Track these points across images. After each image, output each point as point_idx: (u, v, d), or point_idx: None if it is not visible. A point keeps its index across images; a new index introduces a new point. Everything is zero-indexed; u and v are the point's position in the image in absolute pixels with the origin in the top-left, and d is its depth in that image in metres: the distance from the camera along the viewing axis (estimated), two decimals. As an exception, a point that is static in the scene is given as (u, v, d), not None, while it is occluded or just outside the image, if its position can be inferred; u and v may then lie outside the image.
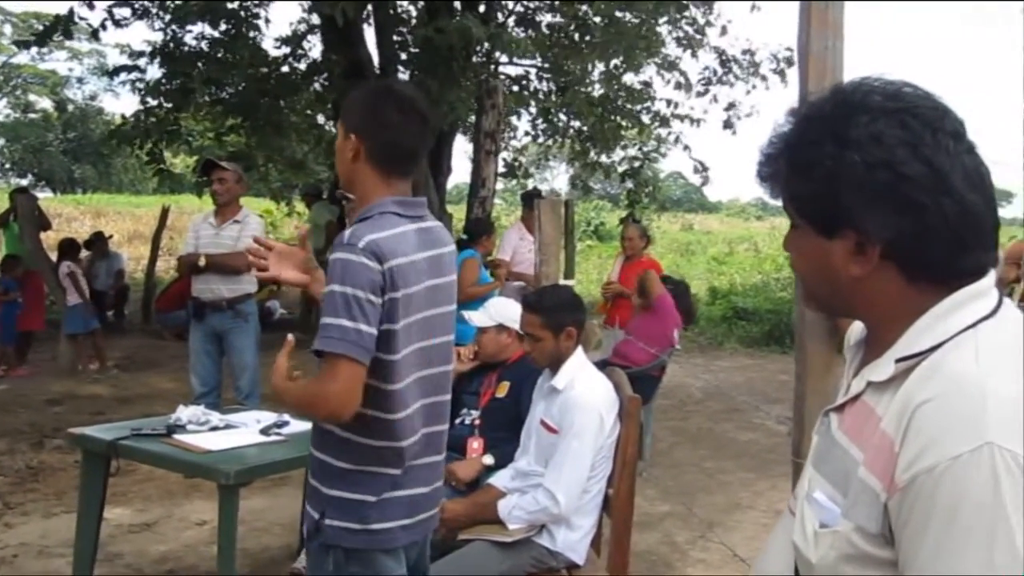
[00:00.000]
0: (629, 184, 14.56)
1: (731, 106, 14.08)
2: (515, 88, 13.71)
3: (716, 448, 7.68)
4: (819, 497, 1.30)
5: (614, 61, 13.64)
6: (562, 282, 8.60)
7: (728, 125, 14.23)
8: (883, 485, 1.16)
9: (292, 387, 2.35)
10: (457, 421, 4.06)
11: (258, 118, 11.90)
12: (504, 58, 12.67)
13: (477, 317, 4.14)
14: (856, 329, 1.47)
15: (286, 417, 3.94)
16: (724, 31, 13.85)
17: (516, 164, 15.20)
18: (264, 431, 3.83)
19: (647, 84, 14.24)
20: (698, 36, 13.78)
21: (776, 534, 1.53)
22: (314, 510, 2.40)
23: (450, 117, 11.19)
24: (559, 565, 3.46)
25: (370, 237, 2.25)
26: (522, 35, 12.72)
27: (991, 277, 1.26)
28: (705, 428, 8.46)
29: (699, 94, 14.13)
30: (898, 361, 1.22)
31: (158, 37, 12.04)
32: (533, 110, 14.61)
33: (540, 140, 15.64)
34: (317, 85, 13.03)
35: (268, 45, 12.48)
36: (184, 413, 3.93)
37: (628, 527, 3.51)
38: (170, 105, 11.42)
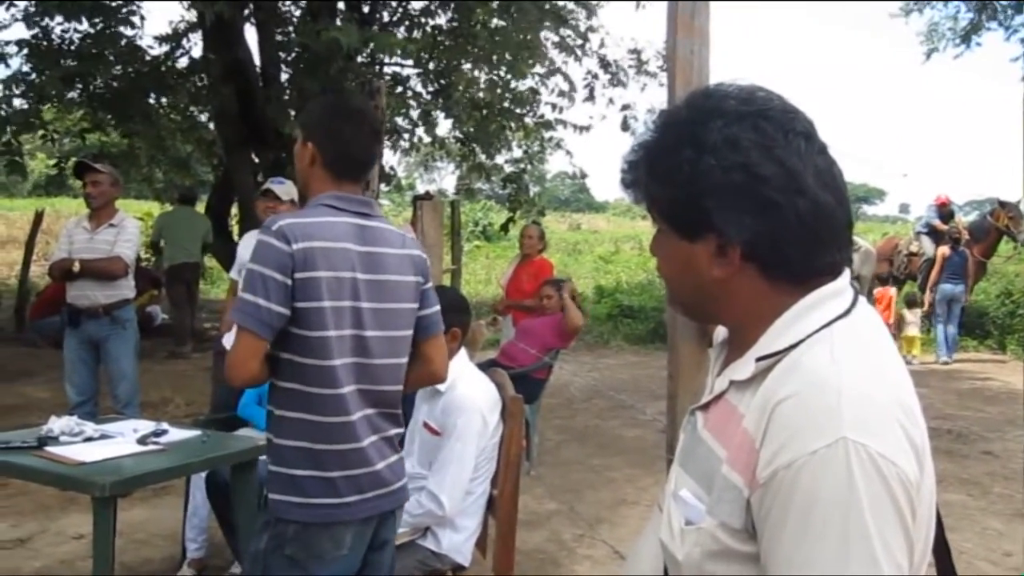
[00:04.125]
0: (511, 187, 14.58)
1: (626, 107, 14.23)
2: (399, 90, 13.60)
3: (602, 445, 7.78)
4: (684, 495, 1.32)
5: (499, 72, 13.67)
6: (445, 266, 8.63)
7: (626, 127, 14.36)
8: (745, 481, 1.18)
9: None
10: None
11: (128, 116, 11.57)
12: (387, 59, 12.58)
13: None
14: (721, 329, 1.50)
15: (165, 426, 3.84)
16: (603, 44, 14.03)
17: (391, 170, 15.07)
18: (141, 440, 3.72)
19: (534, 91, 14.30)
20: (580, 42, 13.89)
21: (646, 532, 1.55)
22: (265, 485, 2.61)
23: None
24: (444, 567, 3.45)
25: (285, 222, 2.45)
26: (404, 36, 12.61)
27: (846, 276, 1.30)
28: (592, 426, 8.56)
29: (586, 99, 14.24)
30: (758, 360, 1.25)
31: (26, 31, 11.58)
32: (415, 112, 14.51)
33: (425, 142, 15.56)
34: (198, 84, 12.73)
35: (149, 43, 12.03)
36: (56, 424, 3.79)
37: (513, 527, 3.53)
38: (32, 96, 10.98)
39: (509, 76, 13.77)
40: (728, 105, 1.26)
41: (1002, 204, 13.94)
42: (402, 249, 2.69)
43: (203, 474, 4.23)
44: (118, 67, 11.43)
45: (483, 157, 14.75)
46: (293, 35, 12.12)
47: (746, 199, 1.22)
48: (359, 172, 2.67)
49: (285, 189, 5.26)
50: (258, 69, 11.72)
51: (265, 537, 2.51)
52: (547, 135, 14.76)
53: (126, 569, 4.67)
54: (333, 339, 2.47)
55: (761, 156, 1.22)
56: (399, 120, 14.50)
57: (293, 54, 12.15)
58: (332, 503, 2.50)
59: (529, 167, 15.88)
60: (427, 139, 15.10)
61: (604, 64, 14.09)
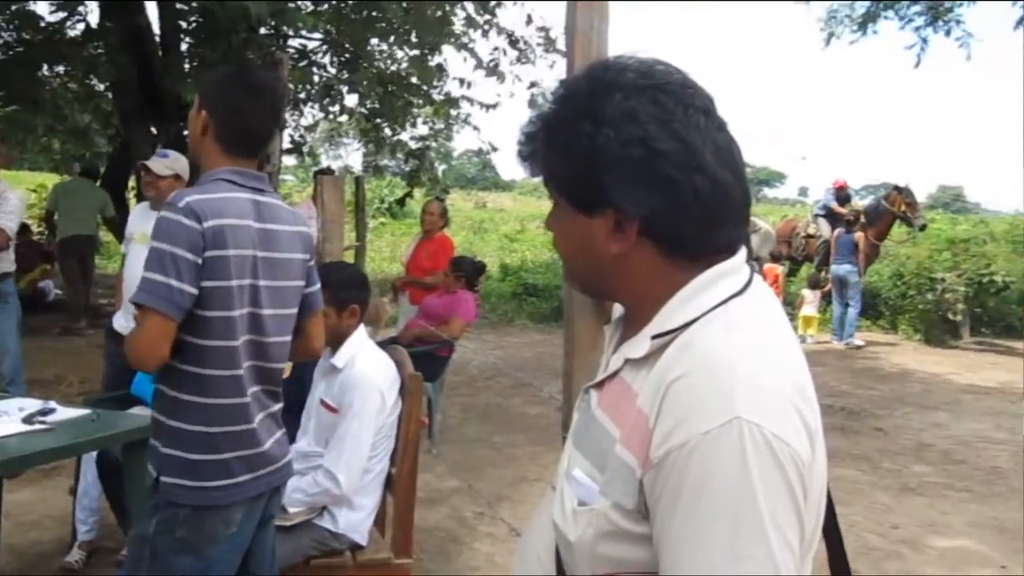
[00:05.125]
0: (414, 163, 14.48)
1: (533, 85, 14.19)
2: (302, 63, 13.37)
3: (504, 423, 7.80)
4: (577, 475, 1.29)
5: (413, 52, 13.51)
6: (346, 244, 8.54)
7: (533, 104, 14.31)
8: (638, 461, 1.16)
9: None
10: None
11: (14, 85, 11.17)
12: (291, 31, 12.34)
13: None
14: (618, 306, 1.47)
15: (52, 404, 3.71)
16: (529, 20, 13.94)
17: (301, 141, 14.84)
18: (27, 420, 3.59)
19: (440, 67, 14.17)
20: (488, 16, 13.79)
21: (539, 512, 1.52)
22: (153, 468, 2.51)
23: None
24: (342, 546, 3.41)
25: (191, 198, 2.37)
26: (310, 9, 12.38)
27: (742, 254, 1.29)
28: (494, 403, 8.58)
29: (489, 73, 14.16)
30: (653, 338, 1.23)
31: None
32: (319, 86, 14.26)
33: (329, 116, 15.34)
34: (94, 52, 12.31)
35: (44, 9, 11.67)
36: (-65, 403, 3.64)
37: (411, 505, 3.51)
38: None
39: (417, 52, 13.62)
40: (627, 78, 1.24)
41: (898, 189, 14.30)
42: (293, 226, 2.64)
43: (94, 454, 4.11)
44: (9, 34, 11.01)
45: (388, 133, 14.59)
46: (195, 3, 11.79)
47: (644, 174, 1.20)
48: (253, 149, 2.59)
49: (167, 163, 4.96)
50: (157, 38, 11.37)
51: (154, 521, 2.46)
52: (454, 112, 14.67)
53: (14, 552, 4.54)
54: (236, 319, 2.43)
55: (660, 131, 1.20)
56: (302, 95, 14.25)
57: (194, 23, 11.83)
58: (225, 484, 2.46)
59: (435, 144, 15.78)
60: (331, 114, 14.88)
61: (512, 41, 14.04)
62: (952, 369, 11.49)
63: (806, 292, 13.54)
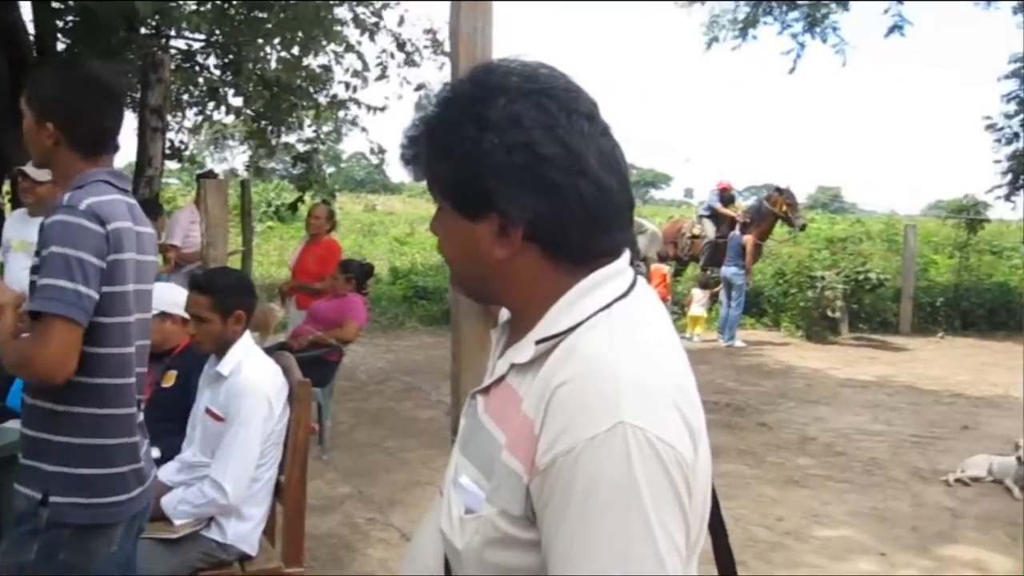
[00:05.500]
0: (302, 167, 14.28)
1: (421, 87, 14.11)
2: (185, 64, 13.07)
3: (396, 427, 7.75)
4: (464, 482, 1.29)
5: (293, 50, 13.30)
6: (232, 249, 8.40)
7: (419, 107, 14.14)
8: (525, 468, 1.16)
9: (12, 345, 2.31)
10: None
11: None
12: (173, 32, 12.04)
13: None
14: (505, 310, 1.47)
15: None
16: (401, 21, 13.87)
17: (182, 145, 14.47)
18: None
19: (326, 68, 14.00)
20: (375, 19, 13.69)
21: (428, 517, 1.50)
22: (33, 491, 2.33)
23: (114, 92, 10.44)
24: (230, 557, 3.34)
25: (90, 200, 2.26)
26: (193, 8, 12.09)
27: (626, 257, 1.30)
28: (386, 408, 8.51)
29: (379, 77, 14.05)
30: (538, 343, 1.23)
31: None
32: (203, 88, 13.96)
33: (213, 119, 15.01)
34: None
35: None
36: None
37: (301, 513, 3.46)
38: None
39: (302, 53, 13.43)
40: (511, 82, 1.24)
41: (779, 190, 14.64)
42: (149, 227, 2.55)
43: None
44: None
45: (274, 136, 14.36)
46: (72, 2, 11.40)
47: (528, 179, 1.20)
48: (110, 142, 2.44)
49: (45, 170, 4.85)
50: (32, 37, 10.98)
51: (35, 546, 2.31)
52: (341, 114, 14.52)
53: None
54: (132, 324, 2.37)
55: (544, 136, 1.20)
56: (185, 97, 13.94)
57: (71, 22, 11.44)
58: (118, 500, 2.37)
59: (323, 147, 15.58)
60: (216, 117, 14.58)
61: (399, 43, 13.97)
62: (832, 364, 11.84)
63: (696, 291, 13.77)
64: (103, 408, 2.34)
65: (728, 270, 13.35)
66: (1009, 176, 21.01)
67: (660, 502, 1.10)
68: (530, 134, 1.20)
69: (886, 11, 13.46)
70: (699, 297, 13.66)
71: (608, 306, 1.23)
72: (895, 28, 13.40)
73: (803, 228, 15.29)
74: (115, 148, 2.48)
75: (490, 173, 1.21)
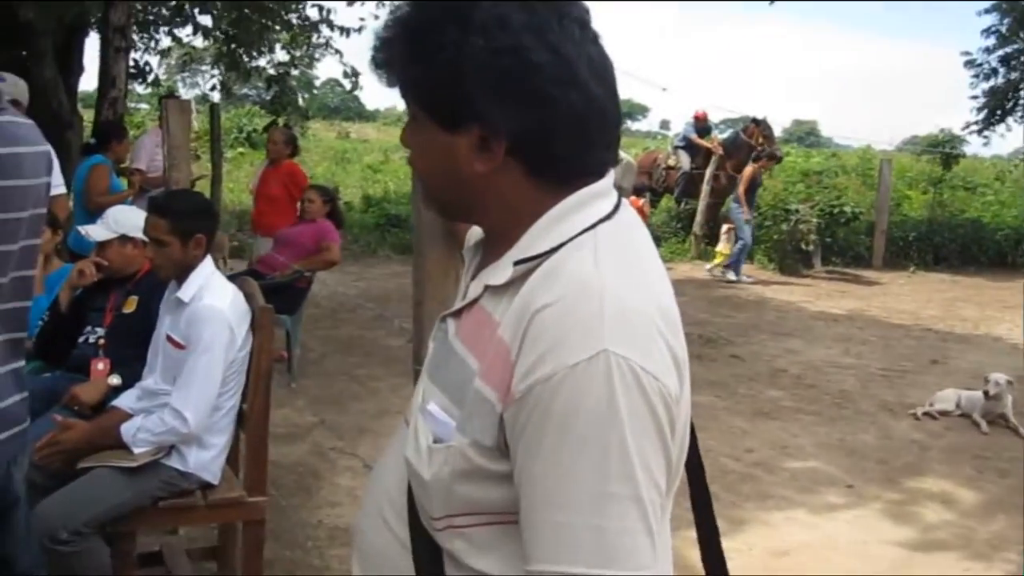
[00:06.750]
0: (274, 90, 14.01)
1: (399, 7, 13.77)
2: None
3: (367, 355, 7.71)
4: (433, 409, 1.22)
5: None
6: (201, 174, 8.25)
7: (396, 6, 13.79)
8: (499, 396, 1.10)
9: None
10: (81, 340, 3.73)
11: None
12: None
13: (95, 231, 3.75)
14: (476, 230, 1.39)
15: None
16: None
17: (147, 67, 14.11)
18: None
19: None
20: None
21: (392, 447, 1.43)
22: None
23: (75, 8, 10.16)
24: (192, 486, 3.27)
25: None
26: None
27: (610, 177, 1.22)
28: (356, 336, 8.46)
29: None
30: (516, 264, 1.16)
31: None
32: (170, 4, 13.57)
33: (183, 41, 14.67)
34: None
35: None
36: None
37: (264, 442, 3.40)
38: None
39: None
40: None
41: (756, 122, 14.54)
42: (35, 146, 2.17)
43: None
44: None
45: (244, 59, 14.04)
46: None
47: (515, 88, 1.12)
48: None
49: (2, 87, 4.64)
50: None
51: None
52: (314, 37, 14.21)
53: None
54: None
55: (533, 40, 1.11)
56: (151, 17, 13.58)
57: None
58: None
59: (296, 72, 15.29)
60: (185, 39, 14.24)
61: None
62: (804, 297, 11.87)
63: (725, 226, 13.37)
64: None
65: (731, 207, 13.20)
66: (984, 112, 20.99)
67: (642, 437, 1.04)
68: (518, 38, 1.11)
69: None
70: (725, 231, 13.31)
71: (593, 227, 1.16)
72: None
73: (778, 160, 15.21)
74: None
75: (473, 80, 1.12)
